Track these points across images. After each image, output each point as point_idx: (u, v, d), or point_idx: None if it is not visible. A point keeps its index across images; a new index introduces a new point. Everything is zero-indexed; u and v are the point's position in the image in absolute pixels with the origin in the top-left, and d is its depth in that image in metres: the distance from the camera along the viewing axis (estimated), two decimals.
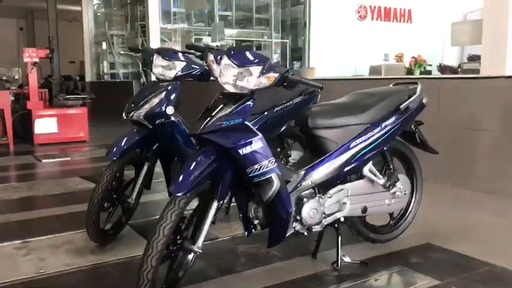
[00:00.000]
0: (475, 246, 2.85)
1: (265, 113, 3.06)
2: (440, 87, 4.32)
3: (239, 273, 2.53)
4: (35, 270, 2.58)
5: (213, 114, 2.09)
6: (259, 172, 2.07)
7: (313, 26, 12.53)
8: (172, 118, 2.96)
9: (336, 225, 2.56)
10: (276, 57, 12.67)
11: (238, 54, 2.10)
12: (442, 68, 9.19)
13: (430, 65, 7.38)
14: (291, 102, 3.25)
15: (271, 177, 2.11)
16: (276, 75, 2.06)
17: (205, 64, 2.39)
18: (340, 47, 11.28)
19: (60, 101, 7.50)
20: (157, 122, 2.92)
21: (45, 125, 7.32)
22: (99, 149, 6.95)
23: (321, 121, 2.43)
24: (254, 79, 2.05)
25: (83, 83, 9.45)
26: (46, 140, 7.34)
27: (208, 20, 13.19)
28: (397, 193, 2.70)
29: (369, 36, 12.02)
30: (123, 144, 2.85)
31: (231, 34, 12.63)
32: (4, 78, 7.77)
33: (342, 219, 2.54)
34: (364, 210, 2.60)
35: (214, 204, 2.13)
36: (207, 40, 11.99)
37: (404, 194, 2.76)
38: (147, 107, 2.92)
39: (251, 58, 2.08)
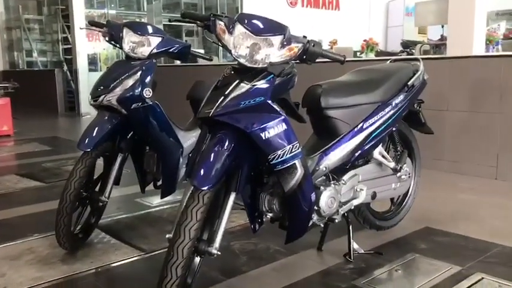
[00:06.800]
0: (473, 227, 2.78)
1: None
2: None
3: (245, 273, 2.25)
4: None
5: (226, 93, 1.78)
6: (282, 158, 1.80)
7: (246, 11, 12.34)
8: (149, 102, 2.58)
9: (345, 214, 2.35)
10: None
11: (253, 20, 1.79)
12: (379, 54, 9.35)
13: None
14: None
15: (295, 163, 1.84)
16: (299, 45, 1.79)
17: (208, 36, 2.04)
18: None
19: None
20: (133, 106, 2.53)
21: None
22: (28, 144, 6.25)
23: (334, 100, 2.19)
24: (275, 51, 1.77)
25: None
26: None
27: (133, 5, 12.45)
28: (402, 176, 2.55)
29: (300, 22, 12.04)
30: (95, 134, 2.44)
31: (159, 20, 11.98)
32: None
33: (352, 207, 2.34)
34: (374, 196, 2.41)
35: (232, 197, 1.83)
36: None
37: (409, 177, 2.61)
38: (119, 89, 2.52)
39: (270, 25, 1.78)
